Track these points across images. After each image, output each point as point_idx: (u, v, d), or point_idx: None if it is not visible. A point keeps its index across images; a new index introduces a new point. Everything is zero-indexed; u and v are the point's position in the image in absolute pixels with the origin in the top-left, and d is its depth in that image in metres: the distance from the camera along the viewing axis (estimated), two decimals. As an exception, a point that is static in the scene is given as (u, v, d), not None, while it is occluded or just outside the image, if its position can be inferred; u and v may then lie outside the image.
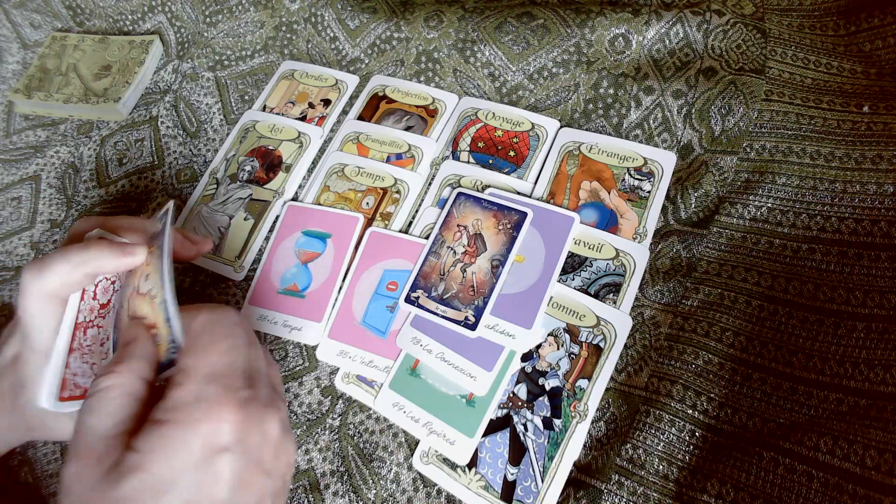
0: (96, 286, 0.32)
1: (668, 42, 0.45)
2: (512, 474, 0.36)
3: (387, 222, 0.45)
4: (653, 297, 0.39)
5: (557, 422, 0.36)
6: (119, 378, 0.24)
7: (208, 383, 0.23)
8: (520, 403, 0.37)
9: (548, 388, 0.37)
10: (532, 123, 0.47)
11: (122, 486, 0.21)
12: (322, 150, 0.50)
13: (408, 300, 0.41)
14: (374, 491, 0.38)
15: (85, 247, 0.29)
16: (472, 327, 0.39)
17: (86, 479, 0.22)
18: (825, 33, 0.45)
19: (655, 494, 0.33)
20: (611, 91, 0.46)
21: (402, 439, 0.39)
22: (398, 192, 0.46)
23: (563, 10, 0.48)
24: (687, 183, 0.42)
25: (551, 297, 0.40)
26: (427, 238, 0.43)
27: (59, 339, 0.30)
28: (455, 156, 0.47)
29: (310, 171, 0.50)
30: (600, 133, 0.45)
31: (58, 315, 0.29)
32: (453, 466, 0.37)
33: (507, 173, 0.45)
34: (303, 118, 0.52)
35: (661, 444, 0.34)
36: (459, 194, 0.44)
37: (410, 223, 0.45)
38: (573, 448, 0.35)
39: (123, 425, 0.23)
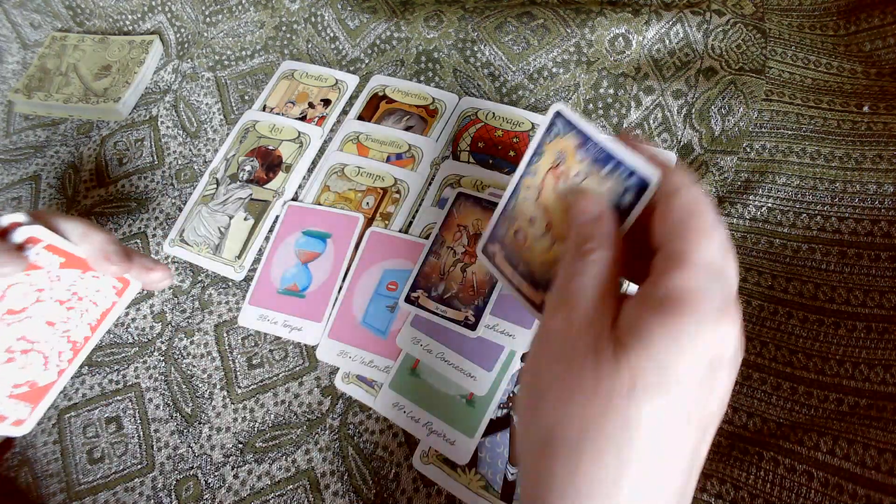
0: (9, 287, 0.29)
1: (668, 42, 0.45)
2: (512, 474, 0.36)
3: (387, 222, 0.45)
4: (653, 297, 0.39)
5: (557, 422, 0.36)
6: (600, 251, 0.22)
7: (712, 280, 0.20)
8: (520, 403, 0.37)
9: (548, 387, 0.37)
10: (532, 123, 0.47)
11: (621, 361, 0.19)
12: (322, 150, 0.50)
13: (408, 300, 0.41)
14: (375, 491, 0.38)
15: None
16: (473, 327, 0.39)
17: (574, 337, 0.20)
18: (825, 33, 0.45)
19: (655, 494, 0.33)
20: (611, 91, 0.46)
21: (402, 439, 0.39)
22: (398, 192, 0.46)
23: (563, 10, 0.48)
24: (687, 183, 0.42)
25: (551, 297, 0.40)
26: (427, 238, 0.43)
27: None
28: (455, 156, 0.47)
29: (310, 170, 0.50)
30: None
31: None
32: (453, 466, 0.37)
33: (507, 173, 0.45)
34: (303, 118, 0.52)
35: (661, 444, 0.34)
36: (459, 194, 0.44)
37: (410, 223, 0.45)
38: (573, 448, 0.35)
39: (609, 295, 0.21)
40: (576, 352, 0.20)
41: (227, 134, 0.53)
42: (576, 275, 0.22)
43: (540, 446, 0.20)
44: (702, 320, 0.19)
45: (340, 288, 0.43)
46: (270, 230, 0.47)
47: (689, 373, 0.19)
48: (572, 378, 0.20)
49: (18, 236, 0.29)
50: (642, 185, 0.23)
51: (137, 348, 0.45)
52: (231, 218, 0.48)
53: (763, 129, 0.41)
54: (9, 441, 0.43)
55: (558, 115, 0.27)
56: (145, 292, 0.47)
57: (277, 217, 0.47)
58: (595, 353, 0.20)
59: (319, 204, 0.47)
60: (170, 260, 0.48)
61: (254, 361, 0.43)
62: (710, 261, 0.20)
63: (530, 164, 0.28)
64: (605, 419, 0.19)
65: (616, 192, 0.24)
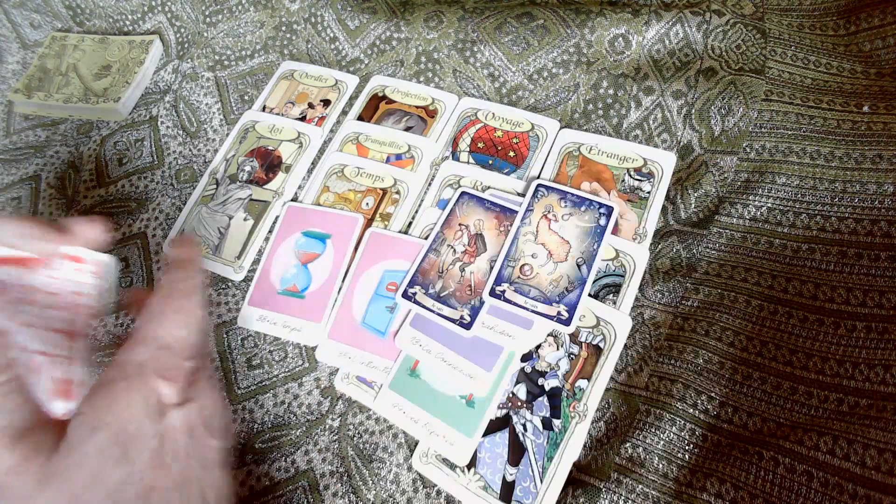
0: None
1: (667, 42, 0.45)
2: (511, 475, 0.36)
3: (386, 223, 0.45)
4: (653, 298, 0.39)
5: (557, 422, 0.36)
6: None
7: (162, 351, 0.24)
8: (519, 404, 0.37)
9: (547, 388, 0.37)
10: (532, 124, 0.47)
11: (68, 458, 0.21)
12: (322, 151, 0.50)
13: (405, 296, 0.41)
14: (374, 492, 0.37)
15: None
16: (467, 326, 0.39)
17: (19, 477, 0.21)
18: (825, 33, 0.45)
19: (655, 493, 0.33)
20: (611, 91, 0.46)
21: (402, 440, 0.39)
22: (398, 192, 0.46)
23: (562, 11, 0.48)
24: (687, 183, 0.42)
25: (551, 298, 0.40)
26: (426, 239, 0.43)
27: None
28: (455, 156, 0.47)
29: (309, 171, 0.50)
30: (600, 133, 0.45)
31: None
32: (452, 467, 0.37)
33: (507, 174, 0.45)
34: (302, 118, 0.52)
35: (661, 443, 0.34)
36: (463, 193, 0.44)
37: (410, 224, 0.45)
38: (573, 448, 0.35)
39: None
40: None
41: (227, 134, 0.53)
42: None
43: None
44: (133, 384, 0.23)
45: (340, 288, 0.43)
46: (270, 231, 0.47)
47: (131, 421, 0.22)
48: None
49: None
50: (609, 211, 0.40)
51: (137, 348, 0.45)
52: (231, 218, 0.48)
53: (763, 129, 0.41)
54: None
55: (539, 185, 0.42)
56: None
57: (277, 217, 0.47)
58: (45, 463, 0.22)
59: (319, 204, 0.47)
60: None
61: (253, 362, 0.43)
62: (163, 339, 0.25)
63: (524, 219, 0.41)
64: None
65: (594, 219, 0.40)
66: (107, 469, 0.21)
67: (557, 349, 0.38)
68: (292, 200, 0.48)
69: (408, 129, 0.49)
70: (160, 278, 0.29)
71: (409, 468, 0.38)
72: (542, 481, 0.35)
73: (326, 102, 0.52)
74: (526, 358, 0.39)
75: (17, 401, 0.22)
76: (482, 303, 0.39)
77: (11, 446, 0.20)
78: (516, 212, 0.42)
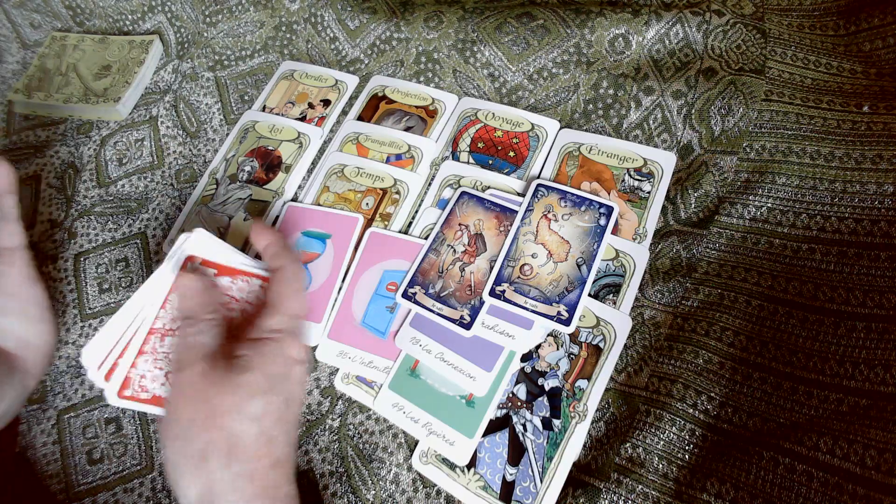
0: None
1: (667, 42, 0.45)
2: (511, 474, 0.36)
3: (386, 223, 0.45)
4: (653, 298, 0.39)
5: (557, 422, 0.36)
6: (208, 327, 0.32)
7: (293, 320, 0.32)
8: (519, 404, 0.37)
9: (547, 388, 0.37)
10: (532, 124, 0.47)
11: (242, 377, 0.29)
12: (322, 151, 0.50)
13: (405, 295, 0.41)
14: (374, 492, 0.37)
15: None
16: (467, 326, 0.39)
17: (206, 377, 0.29)
18: (825, 33, 0.45)
19: (655, 493, 0.33)
20: (611, 91, 0.46)
21: (402, 440, 0.39)
22: (398, 192, 0.46)
23: (562, 11, 0.48)
24: (687, 183, 0.42)
25: (551, 298, 0.40)
26: (426, 239, 0.43)
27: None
28: (455, 156, 0.47)
29: (309, 171, 0.50)
30: (600, 133, 0.45)
31: None
32: (452, 467, 0.37)
33: (507, 174, 0.45)
34: (302, 118, 0.52)
35: (661, 443, 0.34)
36: (463, 193, 0.44)
37: (410, 224, 0.45)
38: (572, 448, 0.35)
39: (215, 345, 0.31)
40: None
41: (227, 134, 0.53)
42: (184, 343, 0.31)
43: (200, 457, 0.27)
44: (282, 344, 0.31)
45: (340, 288, 0.43)
46: (270, 230, 0.47)
47: (277, 375, 0.30)
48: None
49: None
50: (609, 211, 0.40)
51: (137, 348, 0.45)
52: (231, 218, 0.48)
53: (763, 129, 0.41)
54: (15, 425, 0.43)
55: (539, 185, 0.42)
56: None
57: (277, 217, 0.47)
58: (224, 380, 0.29)
59: (319, 204, 0.47)
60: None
61: (253, 362, 0.43)
62: (293, 311, 0.32)
63: (524, 219, 0.41)
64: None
65: (594, 219, 0.40)
66: (256, 395, 0.29)
67: (557, 349, 0.38)
68: (292, 200, 0.48)
69: (408, 129, 0.49)
70: (272, 261, 0.35)
71: (409, 468, 0.38)
72: (541, 481, 0.35)
73: (326, 102, 0.52)
74: (526, 358, 0.39)
75: (215, 333, 0.31)
76: (482, 303, 0.39)
77: (204, 358, 0.29)
78: (516, 212, 0.42)
